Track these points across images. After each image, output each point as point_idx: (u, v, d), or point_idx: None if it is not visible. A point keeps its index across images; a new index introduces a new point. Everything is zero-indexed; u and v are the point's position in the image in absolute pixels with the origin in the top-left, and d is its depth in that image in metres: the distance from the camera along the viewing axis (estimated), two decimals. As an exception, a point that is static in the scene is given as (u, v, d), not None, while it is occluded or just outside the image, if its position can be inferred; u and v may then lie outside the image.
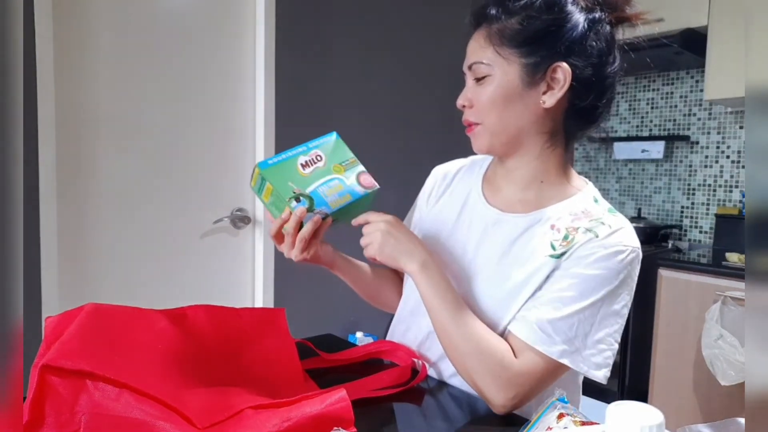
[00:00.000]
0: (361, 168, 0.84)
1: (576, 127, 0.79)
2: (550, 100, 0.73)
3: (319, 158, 0.81)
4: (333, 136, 0.85)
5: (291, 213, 0.76)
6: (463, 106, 0.79)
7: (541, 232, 0.76)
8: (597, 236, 0.72)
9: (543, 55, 0.72)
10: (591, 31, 0.72)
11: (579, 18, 0.72)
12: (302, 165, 0.80)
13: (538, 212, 0.77)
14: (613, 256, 0.71)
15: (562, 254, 0.72)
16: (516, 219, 0.79)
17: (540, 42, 0.72)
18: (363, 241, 0.79)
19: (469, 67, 0.77)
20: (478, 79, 0.75)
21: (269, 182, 0.77)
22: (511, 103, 0.74)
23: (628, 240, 0.73)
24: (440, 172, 0.95)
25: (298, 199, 0.77)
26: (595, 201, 0.78)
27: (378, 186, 0.83)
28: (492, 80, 0.74)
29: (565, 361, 0.70)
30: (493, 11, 0.74)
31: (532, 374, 0.70)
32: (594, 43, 0.73)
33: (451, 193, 0.90)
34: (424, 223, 0.92)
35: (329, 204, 0.79)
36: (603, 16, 0.74)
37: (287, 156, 0.80)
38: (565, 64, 0.72)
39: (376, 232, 0.77)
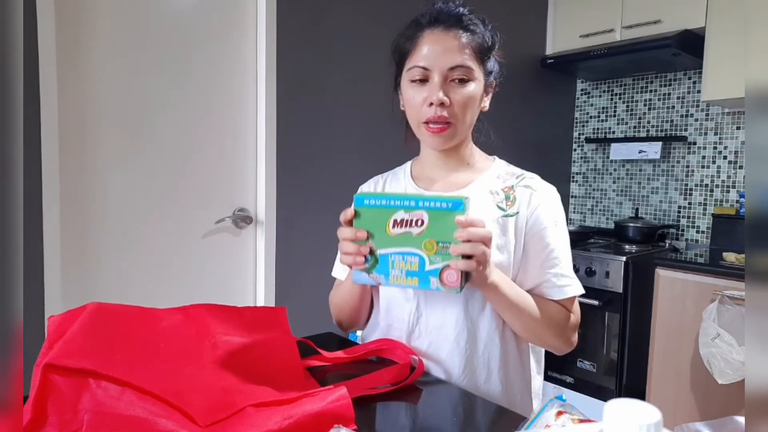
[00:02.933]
0: (456, 258, 0.70)
1: (478, 122, 0.94)
2: (487, 104, 0.91)
3: (419, 223, 0.71)
4: (458, 208, 0.71)
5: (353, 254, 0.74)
6: (441, 104, 0.82)
7: (484, 199, 0.88)
8: (535, 190, 0.88)
9: (492, 72, 0.90)
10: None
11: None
12: (395, 222, 0.72)
13: (471, 186, 0.90)
14: (554, 198, 0.90)
15: (517, 213, 0.87)
16: (457, 194, 0.87)
17: (493, 59, 0.89)
18: (468, 252, 0.69)
19: (452, 69, 0.82)
20: (459, 81, 0.83)
21: (354, 220, 0.74)
22: (477, 104, 0.88)
23: (548, 184, 0.92)
24: (369, 188, 1.02)
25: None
26: (508, 165, 0.95)
27: (459, 288, 0.71)
28: (472, 84, 0.85)
29: (581, 289, 0.88)
30: (472, 24, 0.85)
31: (577, 314, 0.90)
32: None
33: None
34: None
35: (389, 277, 0.73)
36: None
37: (387, 203, 0.73)
38: (494, 80, 0.91)
39: (483, 254, 0.71)
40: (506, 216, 0.87)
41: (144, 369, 0.62)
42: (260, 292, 1.88)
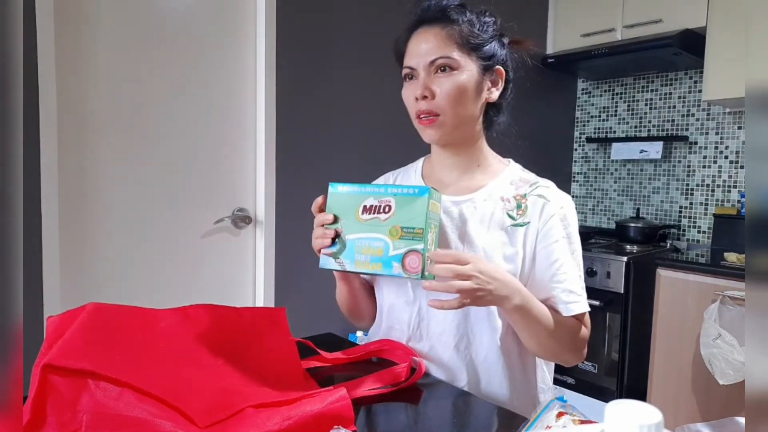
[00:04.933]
0: (419, 246, 0.71)
1: (493, 118, 0.92)
2: (494, 95, 0.88)
3: (387, 209, 0.73)
4: (423, 194, 0.72)
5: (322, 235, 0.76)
6: (424, 97, 0.83)
7: (494, 206, 0.87)
8: (548, 200, 0.86)
9: (492, 57, 0.86)
10: (507, 44, 0.90)
11: (502, 37, 0.89)
12: (365, 208, 0.74)
13: (483, 190, 0.88)
14: (569, 209, 0.87)
15: (527, 223, 0.85)
16: (468, 198, 0.88)
17: (490, 47, 0.86)
18: (453, 287, 0.70)
19: (432, 62, 0.82)
20: (442, 70, 0.83)
21: (327, 206, 0.77)
22: (471, 96, 0.84)
23: (562, 193, 0.89)
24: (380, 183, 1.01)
25: (333, 240, 0.75)
26: (523, 170, 0.93)
27: (419, 275, 0.71)
28: (459, 74, 0.83)
29: (586, 307, 0.86)
30: (454, 15, 0.84)
31: (588, 327, 0.89)
32: (511, 54, 0.91)
33: None
34: None
35: (354, 262, 0.74)
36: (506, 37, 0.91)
37: (358, 190, 0.75)
38: (501, 67, 0.88)
39: (473, 284, 0.71)
40: (516, 225, 0.85)
41: (143, 370, 0.62)
42: (259, 293, 1.88)
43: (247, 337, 0.76)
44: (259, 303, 1.88)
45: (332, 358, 0.85)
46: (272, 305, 1.88)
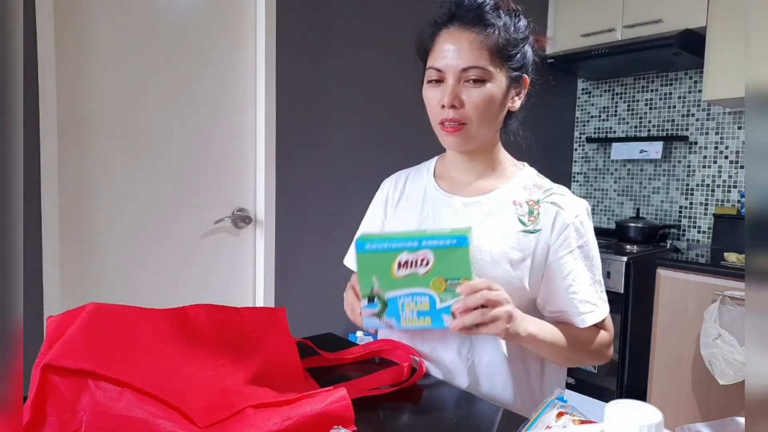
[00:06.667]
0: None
1: (509, 122, 0.90)
2: (516, 104, 0.86)
3: (424, 263, 0.69)
4: (463, 245, 0.69)
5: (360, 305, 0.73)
6: (453, 106, 0.80)
7: (506, 210, 0.85)
8: (562, 208, 0.84)
9: (520, 67, 0.84)
10: (533, 49, 0.86)
11: (531, 39, 0.86)
12: (399, 264, 0.70)
13: (494, 193, 0.87)
14: (584, 217, 0.85)
15: (539, 230, 0.83)
16: (478, 200, 0.87)
17: (520, 56, 0.83)
18: (483, 318, 0.69)
19: (464, 70, 0.79)
20: (474, 81, 0.80)
21: (357, 266, 0.72)
22: (497, 107, 0.83)
23: (577, 199, 0.87)
24: (390, 183, 1.00)
25: (371, 299, 0.71)
26: (537, 175, 0.91)
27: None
28: (491, 85, 0.80)
29: (603, 314, 0.85)
30: (490, 18, 0.80)
31: (610, 328, 0.88)
32: (534, 59, 0.87)
33: (407, 197, 0.95)
34: (388, 229, 0.95)
35: (401, 320, 0.71)
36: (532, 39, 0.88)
37: (390, 246, 0.70)
38: (526, 76, 0.86)
39: (503, 314, 0.70)
40: (526, 231, 0.83)
41: (143, 370, 0.62)
42: (259, 293, 1.87)
43: (247, 337, 0.76)
44: (259, 303, 1.88)
45: (332, 358, 0.85)
46: (272, 305, 1.88)
